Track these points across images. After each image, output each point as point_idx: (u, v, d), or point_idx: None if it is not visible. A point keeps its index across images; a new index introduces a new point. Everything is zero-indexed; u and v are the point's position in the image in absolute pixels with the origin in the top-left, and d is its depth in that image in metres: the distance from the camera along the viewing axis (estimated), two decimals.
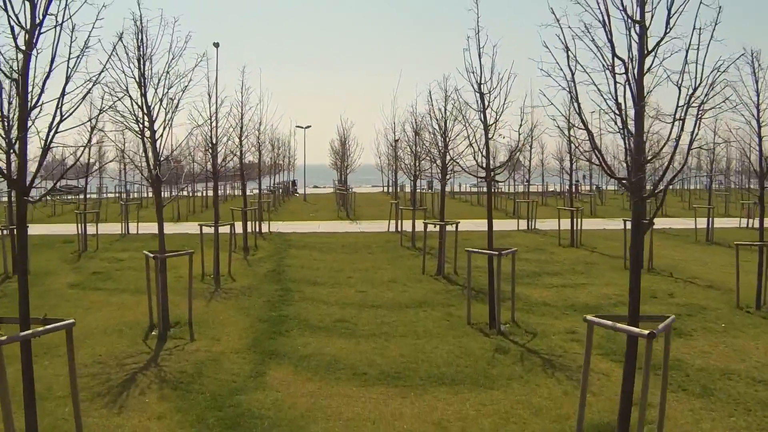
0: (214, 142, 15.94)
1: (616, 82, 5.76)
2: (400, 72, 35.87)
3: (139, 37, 10.29)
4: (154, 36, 10.49)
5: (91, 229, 22.59)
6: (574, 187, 49.17)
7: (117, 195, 51.11)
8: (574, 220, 21.89)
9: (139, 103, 10.38)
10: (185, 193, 48.51)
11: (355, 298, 13.49)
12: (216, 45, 34.72)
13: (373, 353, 9.65)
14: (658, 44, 5.60)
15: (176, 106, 10.55)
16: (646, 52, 5.61)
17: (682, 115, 5.48)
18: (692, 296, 13.99)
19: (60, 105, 5.40)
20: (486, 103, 10.91)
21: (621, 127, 5.70)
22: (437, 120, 15.50)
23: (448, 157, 15.27)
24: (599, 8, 5.74)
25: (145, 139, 10.50)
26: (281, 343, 10.20)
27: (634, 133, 5.64)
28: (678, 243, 22.63)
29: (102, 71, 5.76)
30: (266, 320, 11.62)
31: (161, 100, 10.46)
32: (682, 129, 5.46)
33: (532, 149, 38.44)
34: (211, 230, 15.79)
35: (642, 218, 6.06)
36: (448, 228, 16.19)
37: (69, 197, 51.73)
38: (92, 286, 15.10)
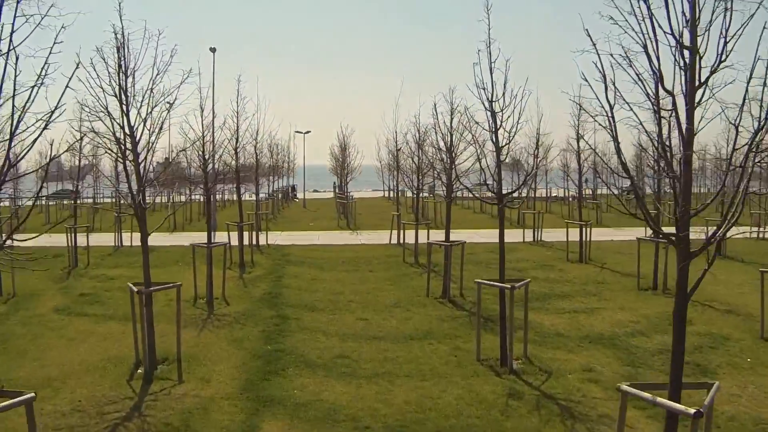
0: (206, 158, 15.15)
1: (660, 118, 4.97)
2: (402, 79, 34.93)
3: (121, 51, 9.50)
4: (137, 50, 9.74)
5: (82, 239, 21.82)
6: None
7: (112, 201, 50.29)
8: (583, 234, 21.09)
9: (121, 124, 9.61)
10: (183, 198, 47.69)
11: (356, 327, 12.70)
12: (212, 50, 34.00)
13: (375, 400, 8.86)
14: (711, 73, 4.80)
15: (161, 127, 9.77)
16: (697, 83, 4.81)
17: (742, 161, 4.68)
18: (712, 323, 13.22)
19: (9, 149, 4.61)
20: (498, 122, 10.14)
21: (666, 172, 4.91)
22: (442, 134, 14.73)
23: (453, 174, 14.50)
24: (642, 31, 4.94)
25: (128, 162, 9.73)
26: (276, 386, 9.41)
27: (682, 182, 4.85)
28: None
29: (54, 110, 4.95)
30: (261, 356, 10.83)
31: (145, 121, 9.69)
32: (741, 179, 4.66)
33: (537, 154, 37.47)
34: (204, 246, 14.99)
35: (686, 283, 5.25)
36: (451, 238, 15.42)
37: (65, 202, 50.85)
38: (79, 311, 14.32)
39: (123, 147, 9.62)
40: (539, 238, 26.24)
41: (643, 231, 28.15)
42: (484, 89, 10.11)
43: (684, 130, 4.72)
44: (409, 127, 24.93)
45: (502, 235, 10.36)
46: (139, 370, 10.19)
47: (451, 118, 14.70)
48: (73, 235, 20.70)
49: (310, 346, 11.39)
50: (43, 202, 48.38)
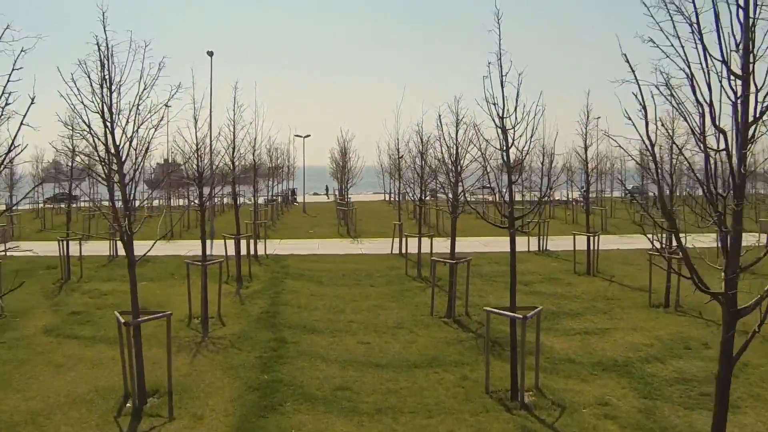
0: (201, 172, 14.55)
1: (707, 157, 4.38)
2: (404, 86, 34.34)
3: (105, 65, 8.91)
4: (123, 63, 9.15)
5: (75, 247, 21.20)
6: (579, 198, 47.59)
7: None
8: (591, 245, 20.50)
9: (105, 143, 9.04)
10: (181, 201, 46.96)
11: (357, 352, 12.11)
12: (210, 54, 33.37)
13: None
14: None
15: (147, 148, 9.21)
16: (751, 118, 4.22)
17: None
18: None
19: None
20: (510, 140, 9.55)
21: (715, 222, 4.32)
22: (447, 147, 14.15)
23: (459, 189, 13.93)
24: (686, 56, 4.34)
25: (114, 184, 9.15)
26: (273, 425, 8.83)
27: (732, 236, 4.27)
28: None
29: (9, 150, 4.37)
30: (257, 387, 10.24)
31: (131, 140, 9.11)
32: None
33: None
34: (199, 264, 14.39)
35: (731, 348, 4.66)
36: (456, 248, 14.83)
37: (62, 205, 50.03)
38: (68, 332, 13.74)
39: (108, 168, 9.04)
40: (545, 248, 25.64)
41: (649, 242, 27.58)
42: (494, 104, 9.52)
43: (735, 175, 4.14)
44: (411, 135, 24.21)
45: (513, 261, 9.79)
46: (128, 404, 9.61)
47: (457, 130, 14.12)
48: (65, 245, 20.12)
49: (309, 375, 10.80)
50: (40, 205, 47.84)
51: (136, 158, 9.19)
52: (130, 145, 9.07)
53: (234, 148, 19.78)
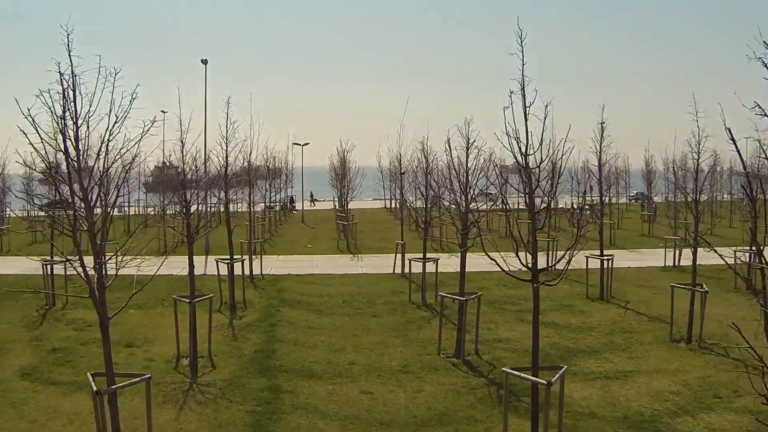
0: (188, 199, 13.52)
1: None
2: (407, 98, 33.12)
3: (68, 96, 7.85)
4: (90, 93, 8.09)
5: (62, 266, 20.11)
6: (581, 205, 46.18)
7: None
8: (605, 268, 19.48)
9: (70, 185, 8.02)
10: (173, 210, 45.71)
11: (359, 404, 11.05)
12: (204, 62, 32.34)
13: None
14: None
15: (118, 192, 8.19)
16: None
17: None
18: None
19: None
20: (534, 181, 8.52)
21: None
22: (456, 173, 13.14)
23: (470, 220, 12.91)
24: None
25: (78, 231, 8.13)
26: None
27: None
28: (722, 293, 19.97)
29: None
30: None
31: (100, 183, 8.09)
32: None
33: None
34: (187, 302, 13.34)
35: None
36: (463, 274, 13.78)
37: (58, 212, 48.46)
38: (46, 376, 12.67)
39: (73, 216, 8.03)
40: (553, 267, 24.53)
41: (661, 257, 26.64)
42: (516, 139, 8.47)
43: None
44: (416, 153, 23.16)
45: (536, 323, 8.75)
46: None
47: (467, 155, 13.10)
48: (49, 268, 19.06)
49: None
50: (34, 212, 46.67)
51: (106, 198, 8.17)
52: (98, 187, 8.03)
53: (227, 167, 18.83)
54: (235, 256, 18.42)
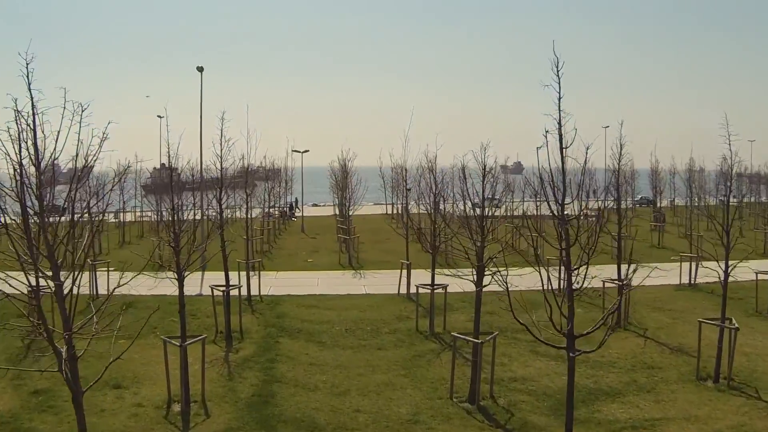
0: (176, 230, 12.52)
1: None
2: (412, 110, 31.97)
3: (28, 136, 6.85)
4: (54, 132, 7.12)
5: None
6: (585, 214, 45.21)
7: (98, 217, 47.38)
8: (623, 298, 18.40)
9: (28, 237, 7.04)
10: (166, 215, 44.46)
11: None
12: (200, 69, 31.16)
13: None
14: None
15: (90, 243, 7.22)
16: None
17: None
18: None
19: None
20: (574, 236, 7.51)
21: None
22: (472, 203, 12.13)
23: (486, 256, 11.90)
24: None
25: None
26: None
27: None
28: (743, 316, 18.88)
29: None
30: None
31: (66, 240, 7.10)
32: None
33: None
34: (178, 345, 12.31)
35: None
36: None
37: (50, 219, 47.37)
38: (26, 426, 11.65)
39: (35, 275, 7.04)
40: (564, 287, 23.51)
41: (674, 273, 25.50)
42: (554, 186, 7.44)
43: None
44: (423, 171, 22.11)
45: (571, 400, 7.73)
46: None
47: (483, 182, 12.08)
48: (36, 297, 17.97)
49: None
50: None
51: (76, 253, 7.18)
52: (65, 247, 7.04)
53: (221, 190, 17.82)
54: (231, 271, 17.40)
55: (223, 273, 17.54)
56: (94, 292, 22.58)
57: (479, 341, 12.12)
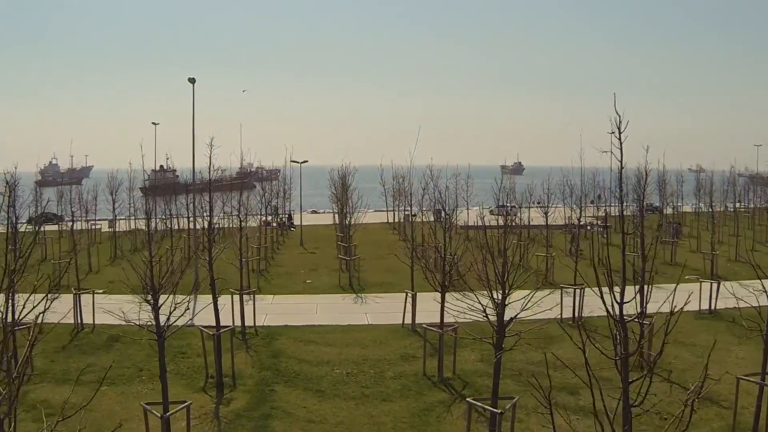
0: (155, 286, 11.16)
1: None
2: (418, 128, 30.58)
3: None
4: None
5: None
6: (589, 224, 42.04)
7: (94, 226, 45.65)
8: (644, 334, 17.00)
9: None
10: (163, 225, 42.79)
11: None
12: (191, 81, 29.78)
13: None
14: None
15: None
16: None
17: None
18: None
19: None
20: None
21: None
22: (493, 258, 10.79)
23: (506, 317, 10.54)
24: None
25: None
26: None
27: None
28: None
29: None
30: None
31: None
32: None
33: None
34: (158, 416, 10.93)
35: None
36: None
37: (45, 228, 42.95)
38: None
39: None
40: (579, 317, 22.14)
41: (695, 300, 23.83)
42: (611, 287, 6.09)
43: None
44: (431, 201, 20.72)
45: None
46: None
47: (506, 238, 10.73)
48: (11, 336, 16.55)
49: None
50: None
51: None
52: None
53: (211, 221, 16.49)
54: (224, 295, 16.03)
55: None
56: (79, 321, 21.17)
57: (498, 411, 10.72)
